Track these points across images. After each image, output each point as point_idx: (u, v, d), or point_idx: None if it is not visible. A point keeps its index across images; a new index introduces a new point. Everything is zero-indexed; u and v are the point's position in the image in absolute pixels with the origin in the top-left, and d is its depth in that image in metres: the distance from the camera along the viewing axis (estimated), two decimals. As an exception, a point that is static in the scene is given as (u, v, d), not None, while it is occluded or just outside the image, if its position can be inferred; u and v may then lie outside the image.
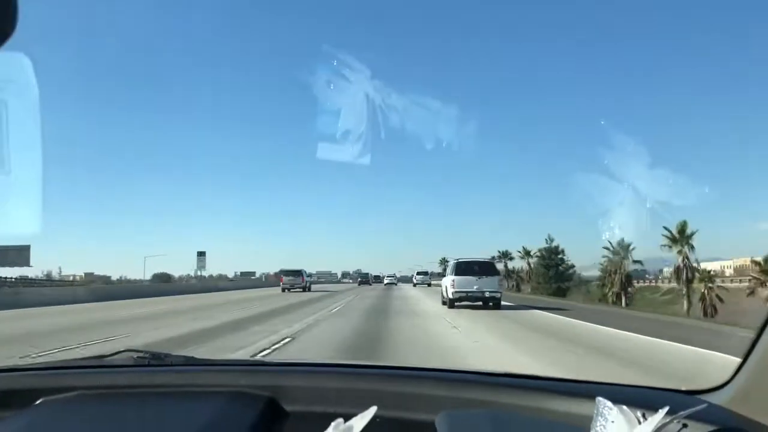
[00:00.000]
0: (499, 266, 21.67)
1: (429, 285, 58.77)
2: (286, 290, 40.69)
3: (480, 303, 20.07)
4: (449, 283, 20.34)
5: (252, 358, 7.08)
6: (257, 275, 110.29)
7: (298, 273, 44.64)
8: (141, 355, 1.59)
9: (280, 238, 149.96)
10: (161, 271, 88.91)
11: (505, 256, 66.85)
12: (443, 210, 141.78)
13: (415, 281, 65.03)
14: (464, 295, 19.64)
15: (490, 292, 19.72)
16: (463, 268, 20.19)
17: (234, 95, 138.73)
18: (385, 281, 68.29)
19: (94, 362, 1.60)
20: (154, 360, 1.56)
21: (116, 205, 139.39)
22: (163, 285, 51.12)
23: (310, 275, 50.83)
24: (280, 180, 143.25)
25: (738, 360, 1.17)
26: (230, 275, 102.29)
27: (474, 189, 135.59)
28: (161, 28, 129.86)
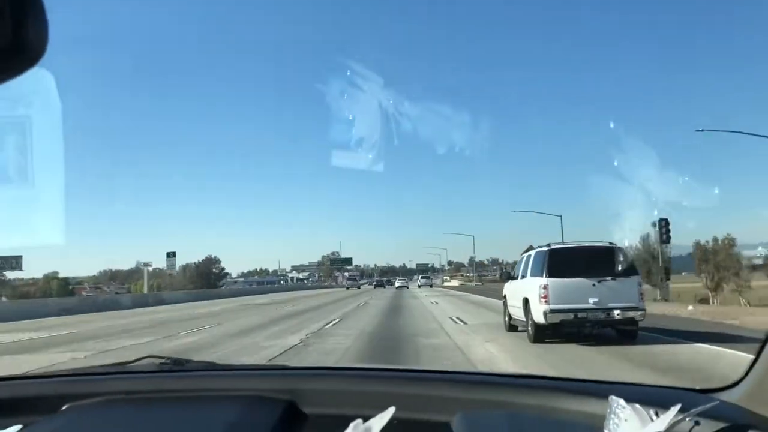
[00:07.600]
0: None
1: (431, 286, 69.23)
2: (347, 288, 64.23)
3: (583, 329, 10.31)
4: (536, 293, 10.23)
5: (271, 363, 7.15)
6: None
7: (354, 279, 78.82)
8: (163, 361, 1.62)
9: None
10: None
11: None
12: (443, 210, 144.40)
13: (419, 283, 76.83)
14: (571, 317, 9.87)
15: (623, 309, 9.88)
16: (566, 263, 10.25)
17: (249, 101, 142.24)
18: (397, 284, 71.88)
19: (118, 368, 1.64)
20: (175, 366, 1.60)
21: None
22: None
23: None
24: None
25: (751, 357, 1.19)
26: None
27: (483, 192, 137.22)
28: (173, 36, 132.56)
